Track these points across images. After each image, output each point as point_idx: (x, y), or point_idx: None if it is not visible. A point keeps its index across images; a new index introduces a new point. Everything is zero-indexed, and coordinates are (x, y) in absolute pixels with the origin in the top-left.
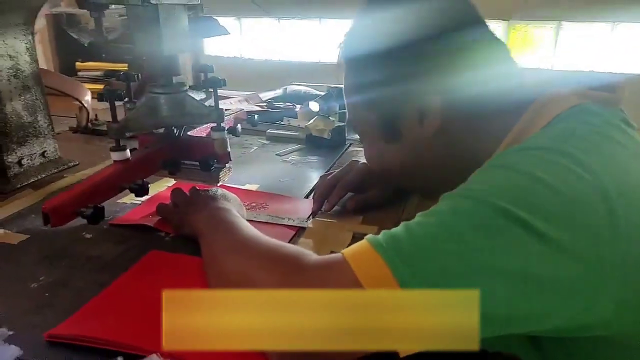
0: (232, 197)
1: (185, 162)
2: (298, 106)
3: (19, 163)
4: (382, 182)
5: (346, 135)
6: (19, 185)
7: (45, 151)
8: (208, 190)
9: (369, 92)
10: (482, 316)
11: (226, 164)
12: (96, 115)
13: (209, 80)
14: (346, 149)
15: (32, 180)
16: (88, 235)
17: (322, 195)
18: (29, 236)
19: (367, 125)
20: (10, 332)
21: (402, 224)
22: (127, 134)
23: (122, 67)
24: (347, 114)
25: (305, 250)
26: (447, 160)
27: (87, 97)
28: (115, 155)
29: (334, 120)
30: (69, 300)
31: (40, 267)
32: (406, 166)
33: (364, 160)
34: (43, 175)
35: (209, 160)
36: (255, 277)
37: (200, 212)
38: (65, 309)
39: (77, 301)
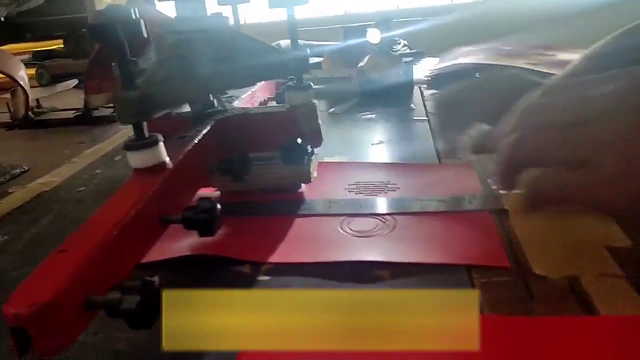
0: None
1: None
2: None
3: None
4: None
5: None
6: None
7: None
8: None
9: None
10: None
11: (315, 149)
12: (37, 101)
13: None
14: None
15: None
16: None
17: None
18: None
19: None
20: None
21: None
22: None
23: (55, 44)
24: None
25: None
26: None
27: (22, 73)
28: (139, 159)
29: (398, 54)
30: None
31: None
32: None
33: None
34: None
35: (296, 145)
36: None
37: None
38: None
39: None
